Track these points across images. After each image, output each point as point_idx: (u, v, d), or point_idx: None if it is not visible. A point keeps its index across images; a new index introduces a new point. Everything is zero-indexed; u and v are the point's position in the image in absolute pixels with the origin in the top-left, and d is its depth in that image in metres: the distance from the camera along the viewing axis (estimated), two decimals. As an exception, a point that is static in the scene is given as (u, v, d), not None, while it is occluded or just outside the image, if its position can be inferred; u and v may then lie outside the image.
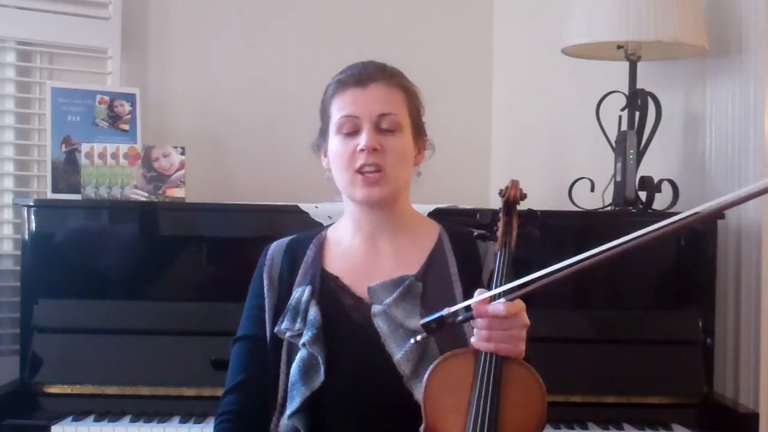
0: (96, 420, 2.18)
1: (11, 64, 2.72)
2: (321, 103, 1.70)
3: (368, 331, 1.57)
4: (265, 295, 1.66)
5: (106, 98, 2.66)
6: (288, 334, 1.60)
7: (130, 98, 2.69)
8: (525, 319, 1.44)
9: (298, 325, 1.59)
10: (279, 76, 3.00)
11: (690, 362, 2.28)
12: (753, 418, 2.16)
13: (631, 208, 2.48)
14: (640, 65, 2.55)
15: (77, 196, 2.49)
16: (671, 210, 2.45)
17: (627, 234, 1.27)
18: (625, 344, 2.30)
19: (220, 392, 1.66)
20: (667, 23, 2.37)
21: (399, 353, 1.53)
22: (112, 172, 2.47)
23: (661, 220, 1.28)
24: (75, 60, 2.79)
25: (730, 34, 2.50)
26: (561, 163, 2.99)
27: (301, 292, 1.63)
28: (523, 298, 1.41)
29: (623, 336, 2.31)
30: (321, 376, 1.55)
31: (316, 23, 3.04)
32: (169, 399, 2.24)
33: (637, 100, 2.53)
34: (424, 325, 1.43)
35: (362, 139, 1.60)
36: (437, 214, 2.17)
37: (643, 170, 2.52)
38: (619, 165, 2.51)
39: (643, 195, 2.51)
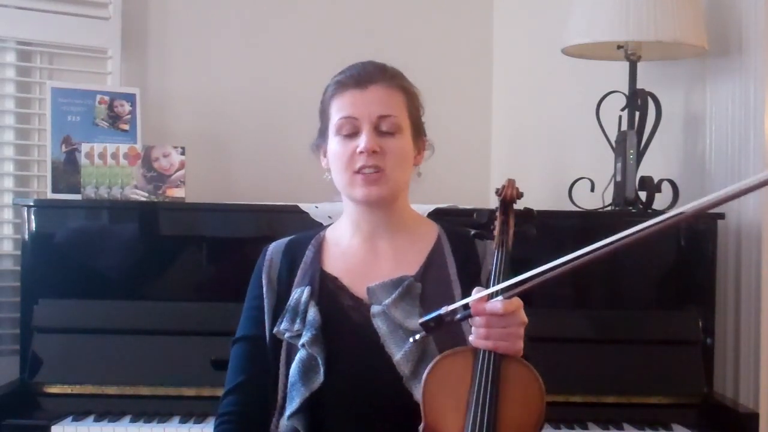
0: (96, 420, 2.18)
1: (11, 64, 2.72)
2: (320, 104, 1.70)
3: (367, 331, 1.57)
4: (264, 295, 1.66)
5: (106, 98, 2.66)
6: (287, 334, 1.60)
7: (130, 98, 2.69)
8: (523, 316, 1.44)
9: (297, 326, 1.59)
10: (279, 76, 3.00)
11: (690, 362, 2.28)
12: (753, 418, 2.16)
13: (631, 208, 2.48)
14: (640, 65, 2.55)
15: (77, 196, 2.49)
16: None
17: (626, 234, 1.27)
18: (625, 344, 2.30)
19: (220, 392, 1.66)
20: (667, 23, 2.37)
21: (399, 354, 1.53)
22: (112, 172, 2.47)
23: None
24: (75, 60, 2.79)
25: (730, 34, 2.50)
26: (561, 163, 2.99)
27: (300, 293, 1.63)
28: (522, 297, 1.41)
29: (623, 336, 2.31)
30: (320, 377, 1.55)
31: (316, 23, 3.04)
32: (169, 399, 2.24)
33: (637, 100, 2.53)
34: (422, 324, 1.42)
35: (362, 141, 1.59)
36: (437, 214, 2.17)
37: (643, 170, 2.52)
38: (619, 165, 2.51)
39: (643, 195, 2.50)
